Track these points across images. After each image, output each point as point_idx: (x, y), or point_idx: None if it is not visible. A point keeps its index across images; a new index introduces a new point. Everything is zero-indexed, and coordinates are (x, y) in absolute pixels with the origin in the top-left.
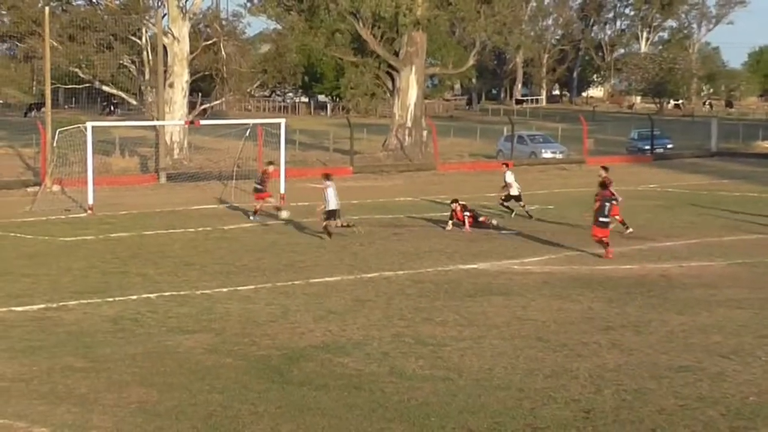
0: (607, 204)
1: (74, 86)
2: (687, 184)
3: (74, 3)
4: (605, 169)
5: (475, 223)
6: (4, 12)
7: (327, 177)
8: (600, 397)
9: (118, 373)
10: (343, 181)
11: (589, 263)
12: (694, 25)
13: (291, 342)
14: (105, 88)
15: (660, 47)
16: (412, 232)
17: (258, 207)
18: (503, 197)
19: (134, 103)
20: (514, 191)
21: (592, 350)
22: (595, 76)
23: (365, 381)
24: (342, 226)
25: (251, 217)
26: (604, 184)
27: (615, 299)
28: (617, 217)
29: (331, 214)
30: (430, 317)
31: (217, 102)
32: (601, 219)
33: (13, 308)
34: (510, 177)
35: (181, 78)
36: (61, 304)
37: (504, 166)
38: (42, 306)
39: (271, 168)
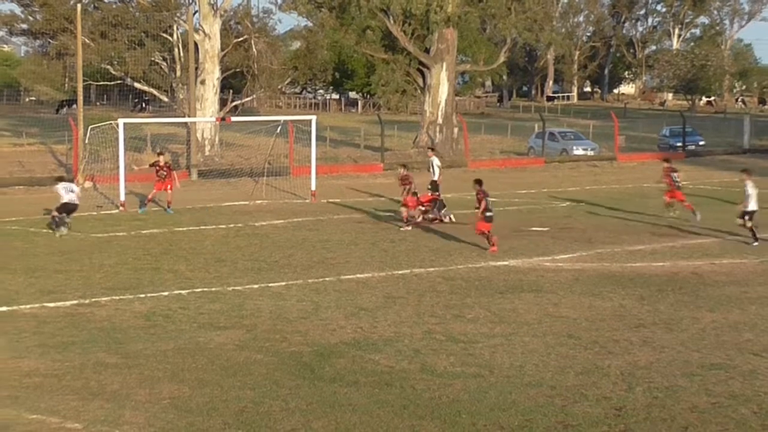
0: (489, 200)
1: (106, 83)
2: (719, 182)
3: (106, 0)
4: (478, 182)
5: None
6: (36, 9)
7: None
8: (631, 394)
9: (149, 369)
10: (373, 177)
11: (620, 260)
12: (726, 22)
13: (322, 339)
14: (136, 85)
15: (692, 44)
16: (442, 228)
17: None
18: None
19: (165, 100)
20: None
21: (623, 347)
22: (626, 72)
23: (396, 378)
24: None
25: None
26: (479, 181)
27: (646, 296)
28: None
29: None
30: (461, 314)
31: (248, 99)
32: (487, 214)
33: (46, 304)
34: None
35: (213, 75)
36: (93, 300)
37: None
38: (74, 302)
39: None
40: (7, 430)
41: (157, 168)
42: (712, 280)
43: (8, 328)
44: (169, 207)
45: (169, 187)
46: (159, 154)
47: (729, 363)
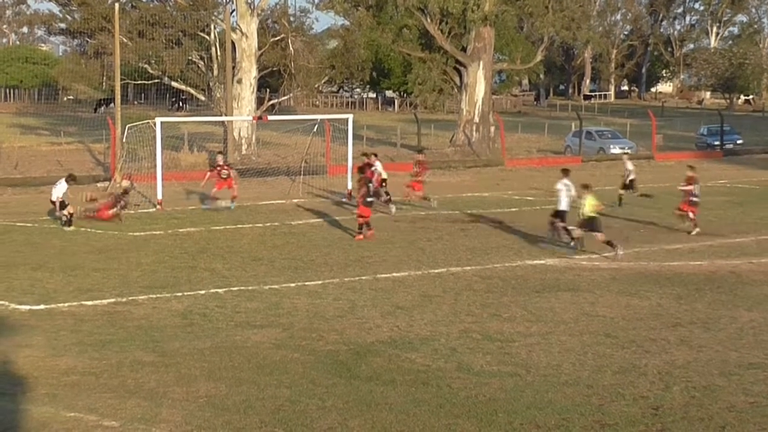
0: (370, 185)
1: (143, 82)
2: (758, 180)
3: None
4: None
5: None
6: (74, 8)
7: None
8: (669, 393)
9: (186, 368)
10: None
11: (657, 259)
12: (765, 20)
13: (358, 337)
14: (174, 84)
15: (730, 42)
16: (479, 227)
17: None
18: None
19: (203, 98)
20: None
21: (660, 347)
22: (664, 71)
23: (433, 377)
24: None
25: None
26: (362, 169)
27: (684, 296)
28: (690, 214)
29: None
30: (497, 313)
31: (285, 98)
32: (367, 199)
33: (84, 302)
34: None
35: (250, 74)
36: (130, 298)
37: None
38: (112, 300)
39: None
40: (46, 428)
41: (219, 168)
42: (750, 279)
43: (46, 326)
44: (233, 202)
45: (230, 185)
46: (219, 153)
47: (767, 362)
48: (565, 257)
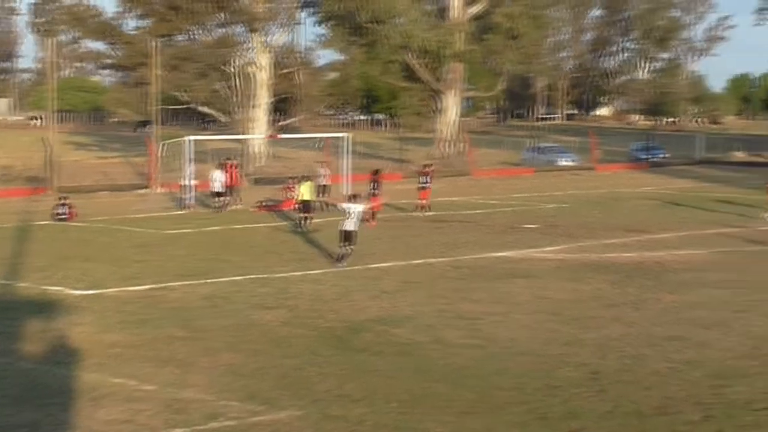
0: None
1: (176, 107)
2: (678, 187)
3: (177, 39)
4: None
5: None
6: (119, 47)
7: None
8: (605, 361)
9: (211, 341)
10: (394, 184)
11: (597, 252)
12: (684, 57)
13: (352, 316)
14: (201, 108)
15: (656, 74)
16: (452, 226)
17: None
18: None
19: (225, 120)
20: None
21: (598, 323)
22: (602, 98)
23: (414, 348)
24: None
25: None
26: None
27: (618, 281)
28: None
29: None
30: (467, 296)
31: (293, 119)
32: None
33: (126, 288)
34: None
35: (264, 100)
36: (166, 284)
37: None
38: (150, 286)
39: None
40: (95, 392)
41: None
42: (672, 268)
43: (96, 307)
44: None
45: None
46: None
47: (685, 335)
48: (522, 250)
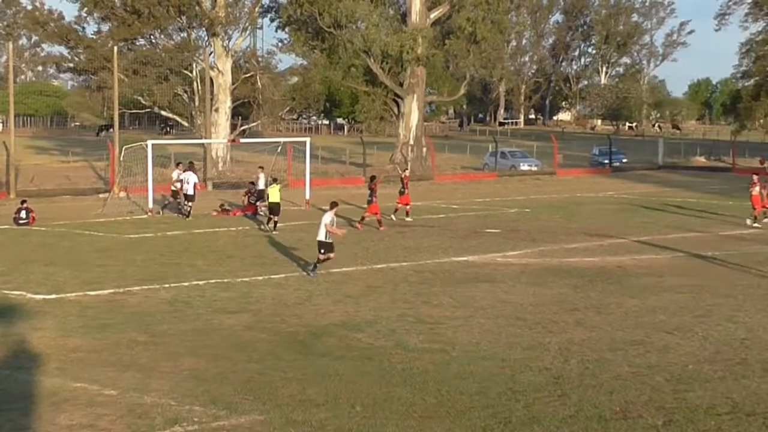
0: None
1: (137, 111)
2: (639, 192)
3: (138, 43)
4: None
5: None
6: (80, 51)
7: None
8: (567, 365)
9: (173, 346)
10: (357, 189)
11: (558, 256)
12: (644, 62)
13: (315, 321)
14: (162, 112)
15: (616, 80)
16: (413, 230)
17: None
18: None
19: (186, 124)
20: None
21: (561, 327)
22: (563, 102)
23: (375, 353)
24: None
25: None
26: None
27: (580, 285)
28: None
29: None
30: (428, 300)
31: (254, 124)
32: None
33: (88, 292)
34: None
35: (225, 104)
36: (126, 289)
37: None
38: (111, 291)
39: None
40: (56, 396)
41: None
42: (633, 272)
43: (57, 312)
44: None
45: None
46: (403, 169)
47: (646, 339)
48: (484, 255)
